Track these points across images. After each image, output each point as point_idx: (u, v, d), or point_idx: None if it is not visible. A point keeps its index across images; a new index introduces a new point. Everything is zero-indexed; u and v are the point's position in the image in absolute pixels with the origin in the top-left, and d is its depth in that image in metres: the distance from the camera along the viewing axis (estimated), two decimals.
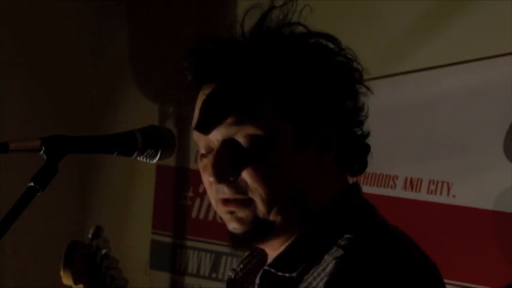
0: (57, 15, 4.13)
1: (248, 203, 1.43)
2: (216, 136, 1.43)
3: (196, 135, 1.47)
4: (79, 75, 4.23)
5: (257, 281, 1.45)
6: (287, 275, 1.41)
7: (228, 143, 1.42)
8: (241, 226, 1.44)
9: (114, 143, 1.47)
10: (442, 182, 2.73)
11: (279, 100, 1.42)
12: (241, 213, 1.44)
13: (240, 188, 1.42)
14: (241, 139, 1.42)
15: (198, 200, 3.59)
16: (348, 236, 1.38)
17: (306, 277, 1.38)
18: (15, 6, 3.94)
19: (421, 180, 2.78)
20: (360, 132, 1.52)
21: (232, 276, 1.58)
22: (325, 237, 1.40)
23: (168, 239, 3.78)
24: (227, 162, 1.41)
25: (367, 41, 2.99)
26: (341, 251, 1.35)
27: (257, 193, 1.41)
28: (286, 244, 1.46)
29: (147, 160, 1.50)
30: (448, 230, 2.70)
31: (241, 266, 1.59)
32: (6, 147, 1.38)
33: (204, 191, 1.50)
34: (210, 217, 3.50)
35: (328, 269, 1.35)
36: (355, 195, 1.51)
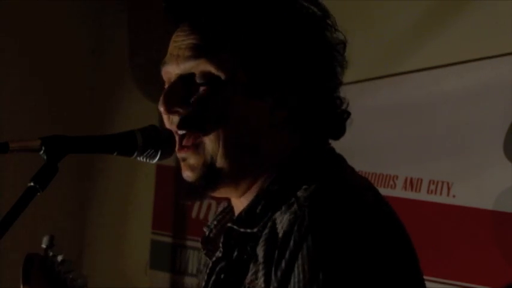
0: (57, 15, 4.13)
1: (197, 147, 1.45)
2: (175, 70, 1.47)
3: (163, 72, 1.51)
4: (79, 75, 4.23)
5: (221, 239, 1.46)
6: (249, 230, 1.42)
7: (183, 77, 1.46)
8: (193, 173, 1.46)
9: (114, 143, 1.47)
10: (442, 182, 2.73)
11: (237, 45, 1.44)
12: (192, 159, 1.46)
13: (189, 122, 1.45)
14: (196, 75, 1.45)
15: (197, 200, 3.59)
16: (305, 186, 1.38)
17: (264, 231, 1.38)
18: (15, 6, 3.94)
19: (421, 180, 2.78)
20: (331, 98, 1.50)
21: (206, 234, 1.58)
22: (285, 190, 1.41)
23: (168, 239, 3.78)
24: (178, 94, 1.45)
25: (367, 41, 2.99)
26: (295, 205, 1.35)
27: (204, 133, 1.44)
28: (248, 196, 1.47)
29: (147, 160, 1.50)
30: (448, 230, 2.70)
31: (215, 223, 1.59)
32: (6, 147, 1.38)
33: None
34: (210, 217, 3.51)
35: (284, 224, 1.34)
36: (318, 147, 1.49)
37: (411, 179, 2.81)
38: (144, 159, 1.49)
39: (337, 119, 1.51)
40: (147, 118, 3.76)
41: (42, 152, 1.40)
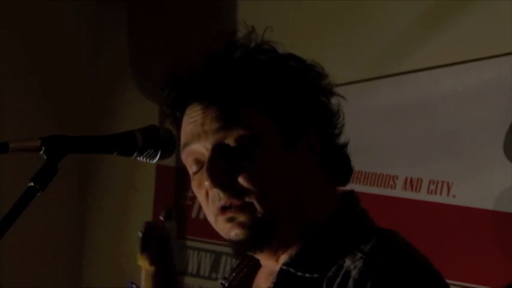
0: (57, 15, 4.13)
1: (246, 206, 1.43)
2: (206, 145, 1.45)
3: (184, 155, 1.49)
4: (79, 75, 4.23)
5: (273, 279, 1.45)
6: (307, 275, 1.42)
7: (219, 148, 1.44)
8: (243, 230, 1.44)
9: (114, 143, 1.47)
10: (442, 182, 2.73)
11: (261, 104, 1.45)
12: (241, 217, 1.44)
13: (235, 191, 1.43)
14: (230, 142, 1.44)
15: (198, 200, 3.59)
16: (362, 246, 1.40)
17: (328, 280, 1.38)
18: (15, 6, 3.94)
19: (421, 180, 2.78)
20: (341, 142, 1.54)
21: (226, 285, 1.59)
22: (340, 241, 1.43)
23: None
24: (220, 165, 1.43)
25: (367, 41, 3.00)
26: (359, 255, 1.38)
27: (252, 194, 1.42)
28: (294, 247, 1.47)
29: (147, 160, 1.50)
30: (448, 230, 2.71)
31: (234, 275, 1.60)
32: (6, 147, 1.38)
33: None
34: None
35: (353, 274, 1.36)
36: (357, 201, 1.53)
37: (411, 179, 2.81)
38: (144, 159, 1.49)
39: (346, 163, 1.55)
40: (147, 118, 3.76)
41: (42, 152, 1.40)
